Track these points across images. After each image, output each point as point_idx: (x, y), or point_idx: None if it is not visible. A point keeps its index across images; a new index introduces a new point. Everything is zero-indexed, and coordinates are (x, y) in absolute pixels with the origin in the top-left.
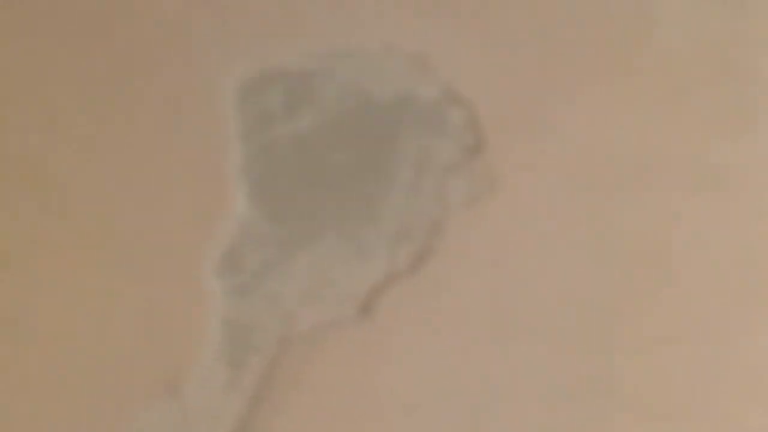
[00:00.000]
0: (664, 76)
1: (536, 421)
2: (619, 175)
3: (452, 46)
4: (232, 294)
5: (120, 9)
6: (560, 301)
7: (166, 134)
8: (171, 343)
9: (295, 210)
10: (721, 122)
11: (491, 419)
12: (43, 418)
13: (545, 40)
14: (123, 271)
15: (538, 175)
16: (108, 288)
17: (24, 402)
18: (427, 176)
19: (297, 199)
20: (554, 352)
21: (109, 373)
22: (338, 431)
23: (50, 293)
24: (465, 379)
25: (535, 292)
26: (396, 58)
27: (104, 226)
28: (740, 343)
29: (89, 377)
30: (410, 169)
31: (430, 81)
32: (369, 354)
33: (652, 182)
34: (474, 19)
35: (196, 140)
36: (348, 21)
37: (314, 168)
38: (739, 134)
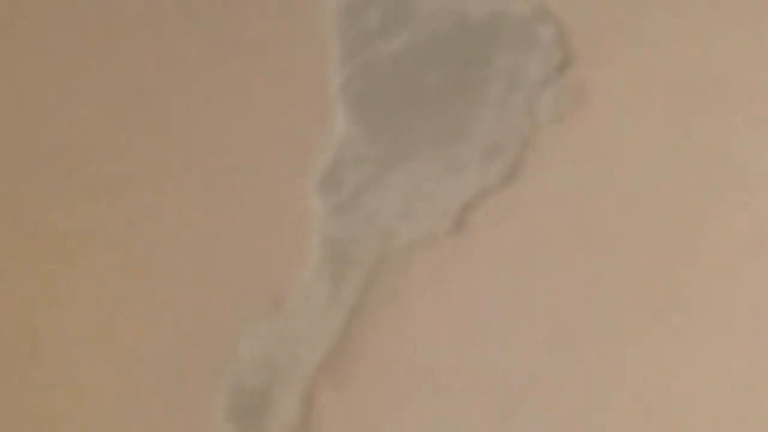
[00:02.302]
0: None
1: (633, 333)
2: (709, 94)
3: None
4: (332, 212)
5: None
6: (651, 215)
7: (269, 56)
8: (274, 261)
9: (391, 128)
10: None
11: (584, 331)
12: (150, 338)
13: None
14: (228, 192)
15: (626, 90)
16: (214, 209)
17: (133, 321)
18: (518, 92)
19: (393, 117)
20: (645, 264)
21: (214, 292)
22: (433, 342)
23: (158, 216)
24: (556, 293)
25: (626, 205)
26: None
27: (209, 147)
28: None
29: (195, 296)
30: (501, 86)
31: None
32: (462, 268)
33: (748, 103)
34: None
35: (298, 61)
36: None
37: (410, 86)
38: None
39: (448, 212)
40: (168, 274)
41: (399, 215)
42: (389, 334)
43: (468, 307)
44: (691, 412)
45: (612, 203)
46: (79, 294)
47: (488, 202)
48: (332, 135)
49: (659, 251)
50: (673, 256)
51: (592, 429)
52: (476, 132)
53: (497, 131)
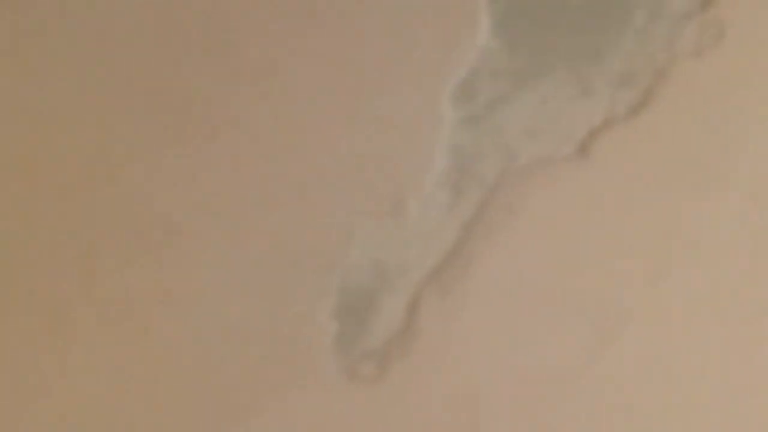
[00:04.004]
0: None
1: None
2: None
3: None
4: (462, 122)
5: None
6: None
7: None
8: (400, 164)
9: (530, 45)
10: None
11: (686, 269)
12: (269, 230)
13: None
14: (362, 89)
15: (766, 30)
16: (345, 104)
17: (256, 213)
18: (659, 22)
19: (534, 34)
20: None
21: (335, 190)
22: (542, 263)
23: (288, 109)
24: (666, 229)
25: (758, 146)
26: None
27: (350, 44)
28: None
29: (315, 191)
30: (644, 15)
31: None
32: (580, 194)
33: None
34: None
35: None
36: None
37: (553, 5)
38: None
39: (573, 136)
40: (291, 168)
41: (525, 133)
42: (501, 250)
43: (580, 232)
44: None
45: (742, 143)
46: (208, 181)
47: (615, 131)
48: (473, 46)
49: None
50: None
51: (687, 368)
52: (612, 58)
53: (633, 60)
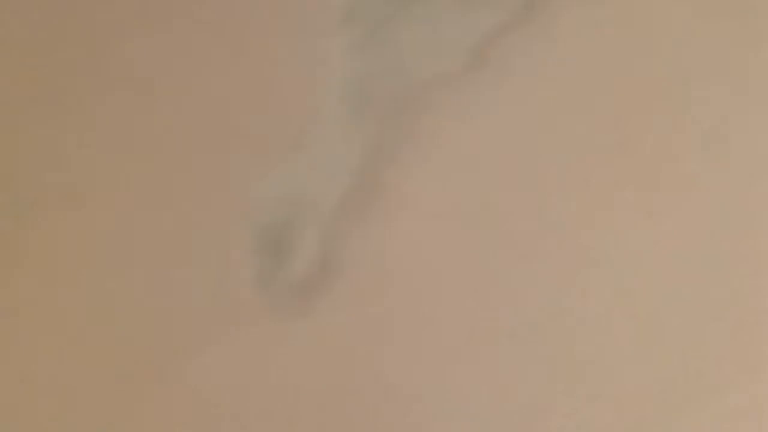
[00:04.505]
0: None
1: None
2: None
3: None
4: (352, 48)
5: None
6: (671, 61)
7: None
8: (294, 100)
9: None
10: None
11: (605, 165)
12: (175, 179)
13: None
14: (252, 28)
15: None
16: (237, 44)
17: (155, 162)
18: None
19: None
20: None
21: (238, 128)
22: (451, 179)
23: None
24: (571, 130)
25: (645, 48)
26: None
27: None
28: None
29: (216, 137)
30: None
31: None
32: (482, 105)
33: None
34: None
35: None
36: None
37: None
38: None
39: (467, 48)
40: (190, 114)
41: (418, 51)
42: (408, 170)
43: (486, 144)
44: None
45: (631, 44)
46: (110, 132)
47: (507, 38)
48: None
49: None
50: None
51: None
52: None
53: None
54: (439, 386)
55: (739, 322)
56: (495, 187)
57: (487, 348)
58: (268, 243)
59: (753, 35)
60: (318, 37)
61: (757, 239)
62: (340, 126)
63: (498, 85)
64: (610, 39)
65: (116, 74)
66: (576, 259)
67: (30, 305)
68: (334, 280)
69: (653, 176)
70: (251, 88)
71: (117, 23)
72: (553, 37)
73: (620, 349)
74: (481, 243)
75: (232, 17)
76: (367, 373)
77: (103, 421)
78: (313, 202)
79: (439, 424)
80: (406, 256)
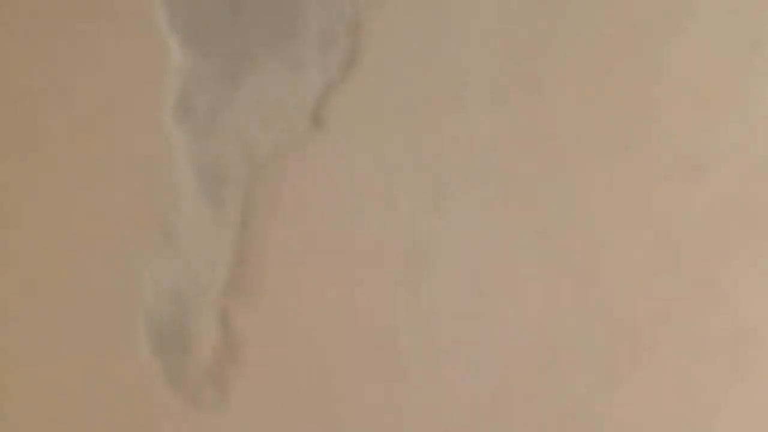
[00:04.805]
0: None
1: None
2: None
3: None
4: (192, 138)
5: None
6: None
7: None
8: (151, 197)
9: (225, 43)
10: None
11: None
12: (64, 283)
13: None
14: (95, 135)
15: None
16: (89, 155)
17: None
18: None
19: (224, 33)
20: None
21: (103, 235)
22: (325, 231)
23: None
24: (429, 156)
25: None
26: None
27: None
28: None
29: (88, 246)
30: None
31: None
32: (330, 160)
33: None
34: None
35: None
36: None
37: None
38: None
39: (302, 111)
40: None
41: (257, 125)
42: (280, 239)
43: (344, 192)
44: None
45: (450, 76)
46: None
47: (337, 94)
48: (171, 65)
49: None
50: None
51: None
52: (307, 25)
53: (326, 19)
54: None
55: None
56: (362, 232)
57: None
58: (164, 341)
59: None
60: (157, 138)
61: None
62: (203, 215)
63: (340, 141)
64: (426, 84)
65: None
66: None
67: None
68: (242, 362)
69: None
70: (109, 191)
71: None
72: (375, 87)
73: None
74: (361, 275)
75: (90, 131)
76: None
77: None
78: (198, 290)
79: None
80: (299, 321)
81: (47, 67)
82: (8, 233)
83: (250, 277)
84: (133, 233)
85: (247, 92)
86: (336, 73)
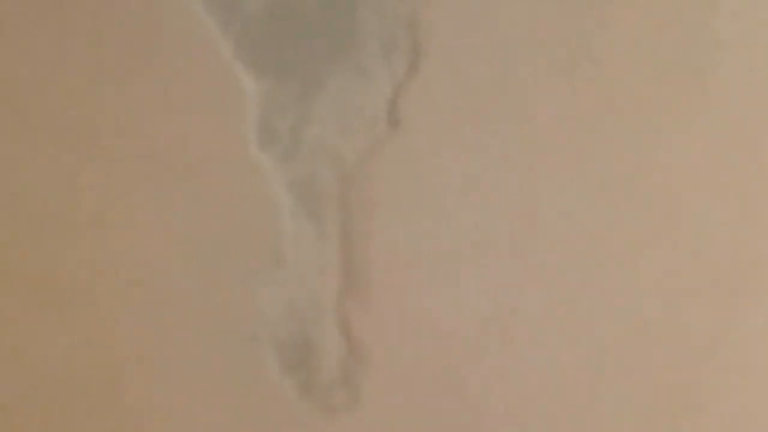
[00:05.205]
0: None
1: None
2: None
3: None
4: (281, 159)
5: None
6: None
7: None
8: (254, 222)
9: (293, 65)
10: None
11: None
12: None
13: None
14: (189, 176)
15: None
16: (187, 195)
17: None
18: None
19: (290, 55)
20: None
21: (217, 264)
22: (422, 233)
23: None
24: (507, 137)
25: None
26: None
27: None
28: None
29: (206, 276)
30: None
31: None
32: (411, 155)
33: None
34: None
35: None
36: None
37: (290, 22)
38: None
39: (377, 114)
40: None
41: (338, 136)
42: (381, 241)
43: (435, 185)
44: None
45: (510, 56)
46: None
47: (407, 92)
48: (245, 97)
49: None
50: None
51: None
52: (366, 33)
53: (384, 24)
54: None
55: None
56: (462, 216)
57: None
58: (293, 354)
59: None
60: (247, 162)
61: None
62: (304, 227)
63: (418, 138)
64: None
65: None
66: None
67: None
68: (366, 363)
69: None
70: (209, 230)
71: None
72: (445, 80)
73: None
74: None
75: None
76: None
77: None
78: (315, 303)
79: None
80: (413, 317)
81: (133, 120)
82: (138, 271)
83: (360, 282)
84: (243, 260)
85: (322, 107)
86: (402, 74)
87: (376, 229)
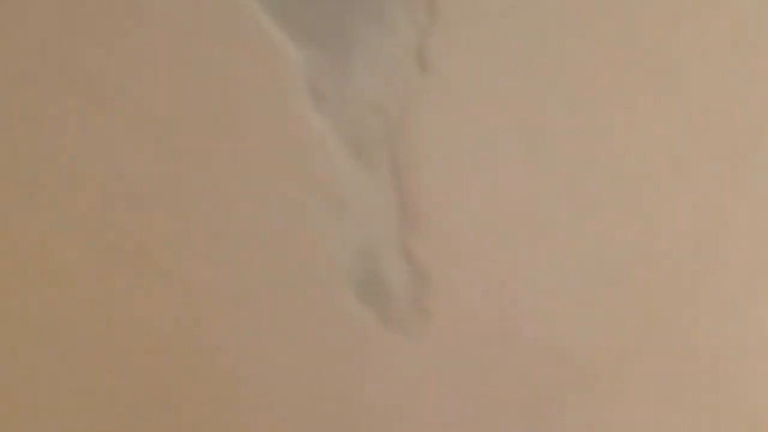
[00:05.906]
0: None
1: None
2: None
3: None
4: (331, 116)
5: None
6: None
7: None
8: (318, 176)
9: (325, 28)
10: None
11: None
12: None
13: None
14: (256, 143)
15: None
16: (259, 157)
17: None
18: None
19: (321, 19)
20: None
21: (290, 217)
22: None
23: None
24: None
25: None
26: None
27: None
28: None
29: (282, 228)
30: None
31: None
32: (446, 89)
33: None
34: None
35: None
36: None
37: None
38: None
39: (409, 61)
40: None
41: (378, 87)
42: (431, 173)
43: (468, 117)
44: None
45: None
46: None
47: (434, 38)
48: (289, 64)
49: None
50: None
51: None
52: None
53: None
54: None
55: None
56: (494, 136)
57: None
58: (367, 286)
59: None
60: (303, 123)
61: None
62: (361, 176)
63: (447, 78)
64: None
65: None
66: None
67: None
68: (434, 293)
69: None
70: (280, 186)
71: None
72: (465, 26)
73: None
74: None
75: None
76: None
77: None
78: (380, 240)
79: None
80: (474, 247)
81: (193, 95)
82: (225, 224)
83: (416, 217)
84: (313, 210)
85: (359, 63)
86: (425, 21)
87: (424, 169)
